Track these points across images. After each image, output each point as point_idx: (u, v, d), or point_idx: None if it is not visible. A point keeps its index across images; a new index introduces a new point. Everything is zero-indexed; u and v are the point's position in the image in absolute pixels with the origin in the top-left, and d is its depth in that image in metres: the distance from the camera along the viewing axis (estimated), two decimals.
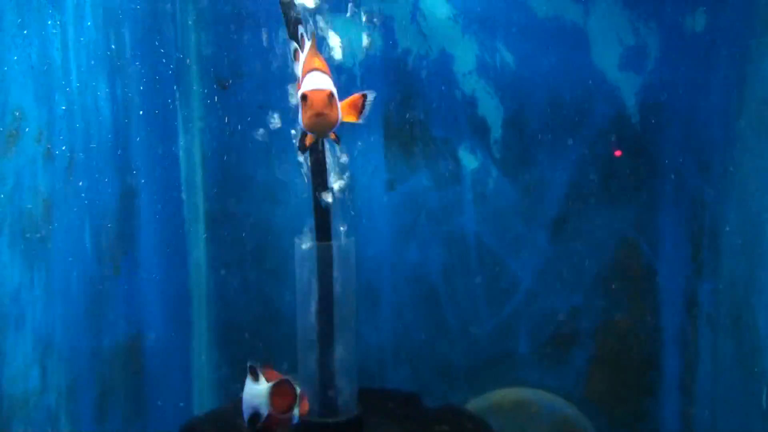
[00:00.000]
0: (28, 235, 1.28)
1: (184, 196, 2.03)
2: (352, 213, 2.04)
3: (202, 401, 2.13)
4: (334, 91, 1.28)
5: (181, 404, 2.03)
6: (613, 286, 2.08)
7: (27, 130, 1.27)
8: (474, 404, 2.08)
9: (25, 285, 1.27)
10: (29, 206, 1.28)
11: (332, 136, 1.40)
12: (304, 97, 1.25)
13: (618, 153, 2.06)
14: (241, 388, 1.44)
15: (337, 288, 1.72)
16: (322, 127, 1.28)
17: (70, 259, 1.42)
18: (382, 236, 2.11)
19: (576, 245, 2.08)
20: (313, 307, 1.72)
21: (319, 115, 1.24)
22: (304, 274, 1.72)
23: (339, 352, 1.72)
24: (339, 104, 1.30)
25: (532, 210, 2.08)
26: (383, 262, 2.11)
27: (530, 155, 2.08)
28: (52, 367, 1.35)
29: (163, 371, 1.88)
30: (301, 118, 1.27)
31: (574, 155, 2.07)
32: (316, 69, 1.28)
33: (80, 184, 1.45)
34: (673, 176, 2.05)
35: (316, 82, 1.26)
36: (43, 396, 1.33)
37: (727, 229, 1.88)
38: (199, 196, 2.12)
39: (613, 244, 2.08)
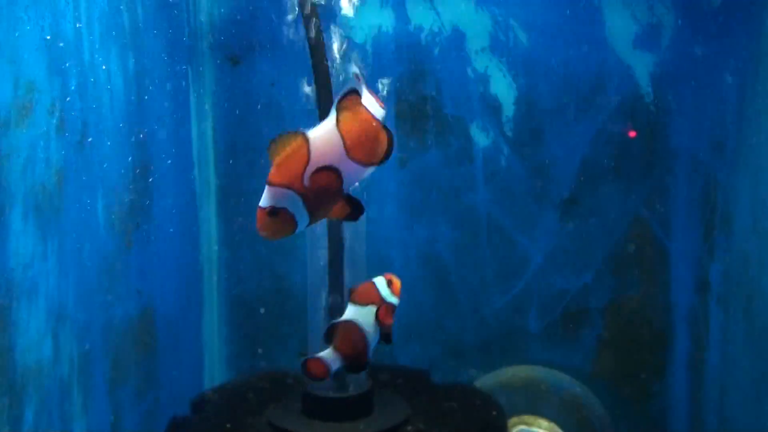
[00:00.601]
0: (41, 207, 1.29)
1: (196, 171, 2.04)
2: (363, 191, 2.04)
3: (213, 375, 2.15)
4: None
5: (193, 378, 2.05)
6: (624, 266, 2.08)
7: (40, 102, 1.28)
8: (483, 381, 2.09)
9: (38, 256, 1.28)
10: (42, 178, 1.29)
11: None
12: None
13: (633, 134, 2.05)
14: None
15: (347, 264, 1.73)
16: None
17: (83, 231, 1.43)
18: (393, 213, 2.11)
19: (587, 224, 2.08)
20: (324, 283, 1.73)
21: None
22: (315, 251, 1.73)
23: None
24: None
25: (544, 188, 2.08)
26: (394, 240, 2.11)
27: (542, 134, 2.07)
28: (64, 338, 1.36)
29: (174, 345, 1.90)
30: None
31: (587, 134, 2.06)
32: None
33: (93, 157, 1.46)
34: (686, 156, 2.04)
35: None
36: (56, 366, 1.35)
37: (740, 209, 1.88)
38: (211, 172, 2.13)
39: (624, 223, 2.07)
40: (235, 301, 2.18)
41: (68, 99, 1.37)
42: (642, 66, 2.02)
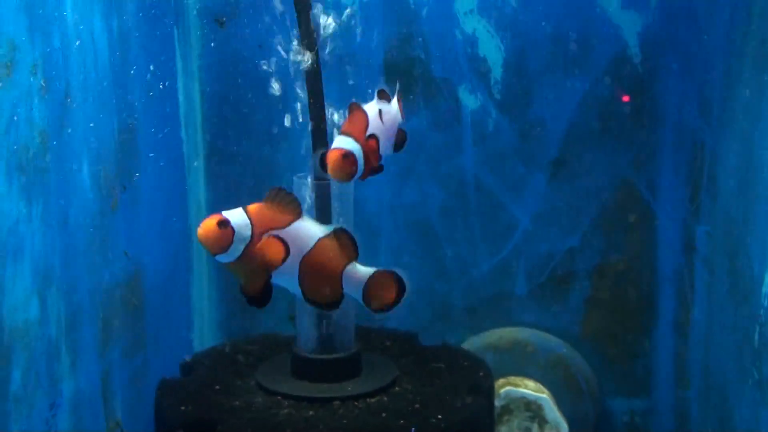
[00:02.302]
0: (24, 168, 1.28)
1: (183, 134, 2.03)
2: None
3: (203, 339, 2.17)
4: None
5: (182, 341, 2.06)
6: (611, 228, 2.09)
7: (21, 62, 1.27)
8: (471, 343, 2.10)
9: (23, 217, 1.28)
10: (25, 139, 1.28)
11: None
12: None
13: (626, 98, 2.05)
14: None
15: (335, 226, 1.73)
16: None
17: (68, 193, 1.43)
18: (381, 177, 2.10)
19: (574, 186, 2.08)
20: None
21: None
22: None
23: None
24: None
25: (532, 151, 2.09)
26: (382, 203, 2.12)
27: (530, 96, 2.07)
28: (51, 298, 1.37)
29: (163, 308, 1.90)
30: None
31: (575, 96, 2.06)
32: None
33: (77, 118, 1.45)
34: (673, 118, 2.04)
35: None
36: (44, 327, 1.35)
37: (725, 171, 1.88)
38: (199, 135, 2.12)
39: (611, 185, 2.08)
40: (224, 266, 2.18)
41: (51, 59, 1.36)
42: (631, 26, 2.01)
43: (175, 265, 2.01)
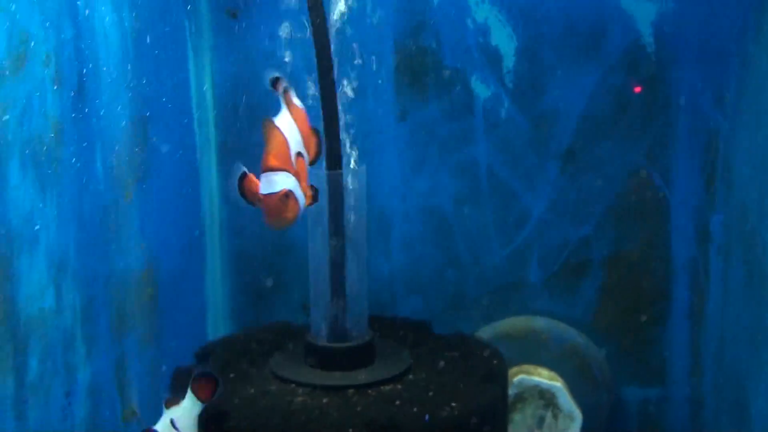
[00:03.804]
0: (39, 160, 1.30)
1: (195, 126, 2.04)
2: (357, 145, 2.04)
3: (217, 330, 2.18)
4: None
5: (196, 331, 2.07)
6: (625, 217, 2.08)
7: (34, 53, 1.28)
8: (484, 332, 2.10)
9: (38, 208, 1.29)
10: (39, 130, 1.30)
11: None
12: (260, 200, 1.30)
13: (638, 89, 2.03)
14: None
15: (348, 216, 1.74)
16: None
17: (82, 184, 1.44)
18: (393, 166, 2.11)
19: (588, 176, 2.07)
20: (325, 235, 1.74)
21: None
22: (316, 205, 1.73)
23: (350, 279, 1.74)
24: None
25: (544, 140, 2.08)
26: (394, 192, 2.12)
27: (543, 85, 2.06)
28: (66, 288, 1.38)
29: (177, 299, 1.92)
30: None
31: (588, 85, 2.05)
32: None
33: (90, 110, 1.46)
34: (687, 106, 2.03)
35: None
36: (59, 316, 1.36)
37: (740, 159, 1.87)
38: (211, 127, 2.13)
39: (625, 175, 2.07)
40: (237, 257, 2.19)
41: (63, 51, 1.37)
42: (644, 15, 2.00)
43: (189, 256, 2.02)
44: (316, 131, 1.50)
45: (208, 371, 1.39)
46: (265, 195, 1.29)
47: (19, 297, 1.25)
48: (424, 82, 2.07)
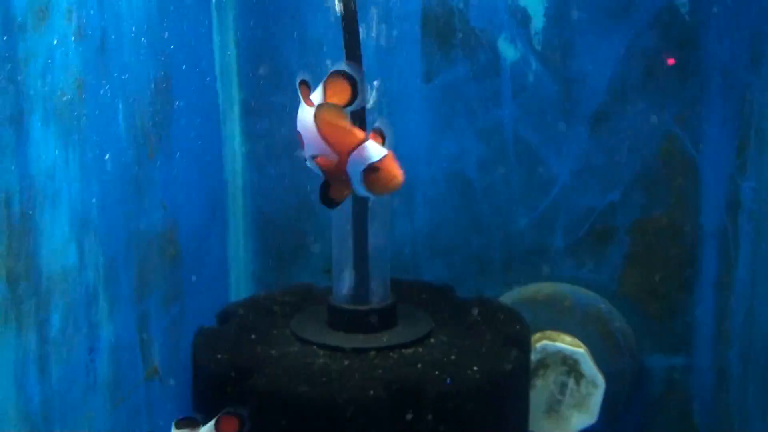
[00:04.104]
0: (61, 114, 1.29)
1: (218, 86, 2.03)
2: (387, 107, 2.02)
3: (239, 291, 2.18)
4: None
5: (219, 292, 2.07)
6: (653, 183, 2.05)
7: (56, 7, 1.26)
8: (508, 297, 2.09)
9: (60, 163, 1.29)
10: (61, 85, 1.28)
11: None
12: (375, 168, 1.26)
13: (671, 61, 1.99)
14: None
15: None
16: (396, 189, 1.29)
17: (105, 140, 1.43)
18: (418, 129, 2.09)
19: (616, 140, 2.04)
20: (347, 199, 1.72)
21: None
22: None
23: (372, 241, 1.73)
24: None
25: (573, 104, 2.04)
26: (419, 155, 2.09)
27: (572, 47, 2.02)
28: (89, 245, 1.38)
29: (200, 260, 1.92)
30: (369, 186, 1.28)
31: (618, 48, 2.00)
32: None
33: (113, 65, 1.45)
34: (721, 70, 1.98)
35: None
36: (82, 273, 1.36)
37: None
38: (234, 87, 2.11)
39: (654, 139, 2.03)
40: (260, 217, 2.19)
41: (86, 5, 1.35)
42: None
43: (212, 217, 2.02)
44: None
45: (236, 410, 1.38)
46: (379, 160, 1.26)
47: (42, 252, 1.24)
48: (451, 43, 2.04)
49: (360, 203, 1.67)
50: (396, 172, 1.27)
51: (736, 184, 1.99)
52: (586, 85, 2.03)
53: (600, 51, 2.01)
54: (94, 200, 1.39)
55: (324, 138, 1.30)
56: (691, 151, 2.03)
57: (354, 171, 1.29)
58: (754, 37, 1.92)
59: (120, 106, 1.48)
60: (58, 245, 1.29)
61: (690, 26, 1.97)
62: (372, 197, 1.39)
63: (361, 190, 1.31)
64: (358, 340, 1.68)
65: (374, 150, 1.28)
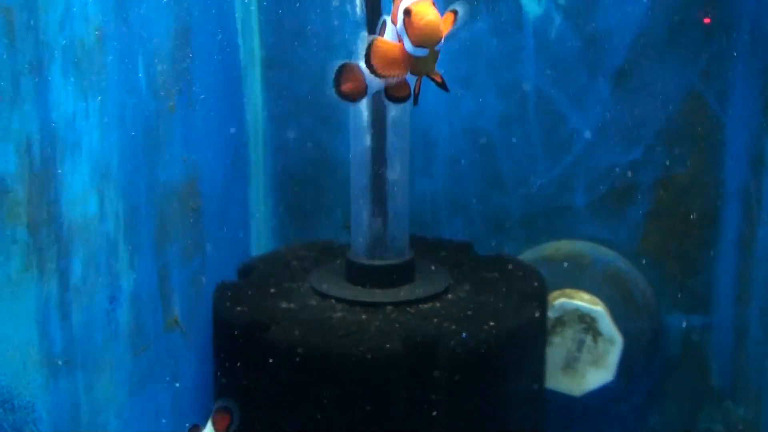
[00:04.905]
0: (80, 64, 1.29)
1: (240, 40, 2.02)
2: None
3: (260, 246, 2.19)
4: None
5: (239, 247, 2.09)
6: (676, 141, 2.02)
7: None
8: (527, 255, 2.08)
9: (80, 113, 1.30)
10: (81, 34, 1.29)
11: (438, 77, 1.40)
12: (408, 12, 1.24)
13: (707, 20, 1.95)
14: None
15: (390, 134, 1.71)
16: (434, 34, 1.25)
17: (125, 91, 1.43)
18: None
19: (639, 97, 2.01)
20: (368, 155, 1.72)
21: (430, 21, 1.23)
22: (359, 121, 1.72)
23: (392, 197, 1.73)
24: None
25: (596, 60, 2.01)
26: (438, 112, 2.08)
27: (596, 2, 1.99)
28: (109, 195, 1.39)
29: (220, 213, 1.93)
30: (409, 36, 1.26)
31: (643, 2, 1.97)
32: None
33: (133, 16, 1.45)
34: (747, 25, 1.94)
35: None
36: (102, 223, 1.38)
37: None
38: (255, 42, 2.10)
39: (678, 96, 2.00)
40: (281, 173, 2.19)
41: None
42: None
43: (233, 172, 2.02)
44: None
45: (226, 404, 1.46)
46: (413, 2, 1.24)
47: (62, 200, 1.26)
48: None
49: (379, 161, 1.68)
50: (427, 11, 1.24)
51: (761, 142, 1.96)
52: (609, 40, 2.00)
53: (624, 6, 1.97)
54: (114, 151, 1.40)
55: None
56: (715, 108, 2.00)
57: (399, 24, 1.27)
58: None
59: (140, 57, 1.49)
60: (79, 194, 1.31)
61: None
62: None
63: (407, 45, 1.28)
64: (375, 295, 1.69)
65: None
